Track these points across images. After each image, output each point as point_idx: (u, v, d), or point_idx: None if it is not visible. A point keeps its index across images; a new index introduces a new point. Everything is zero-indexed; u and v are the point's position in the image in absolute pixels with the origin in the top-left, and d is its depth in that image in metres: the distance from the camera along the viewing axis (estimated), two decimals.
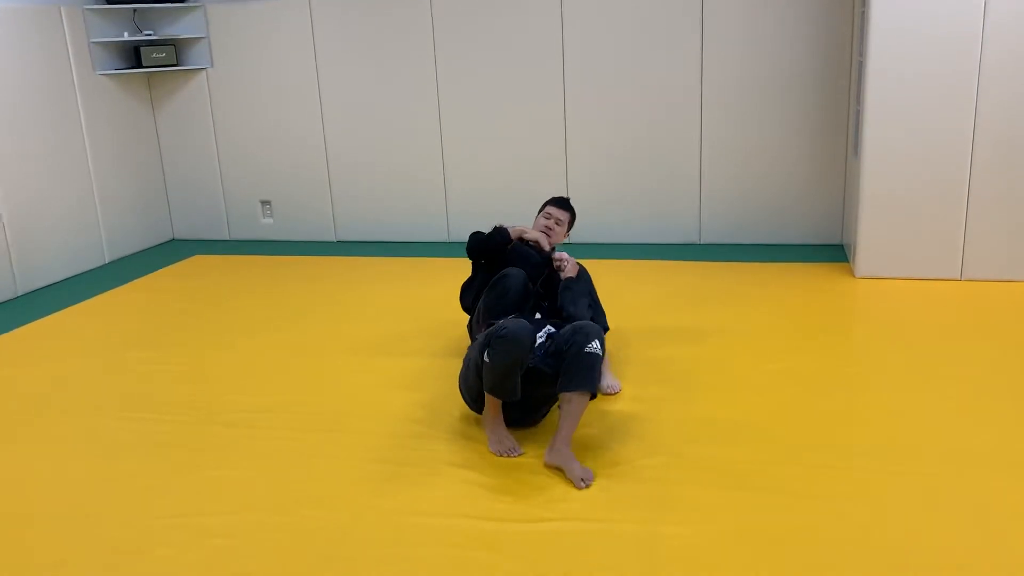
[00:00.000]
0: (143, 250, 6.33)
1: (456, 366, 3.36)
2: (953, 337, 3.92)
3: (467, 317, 3.69)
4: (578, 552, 2.39)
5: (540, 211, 3.82)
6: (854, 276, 4.86)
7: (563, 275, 3.48)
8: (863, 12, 4.77)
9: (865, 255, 4.80)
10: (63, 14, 5.53)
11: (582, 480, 2.72)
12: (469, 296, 3.67)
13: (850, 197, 5.20)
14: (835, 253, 5.37)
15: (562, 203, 3.81)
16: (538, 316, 3.31)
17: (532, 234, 3.66)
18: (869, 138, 4.64)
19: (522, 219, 4.02)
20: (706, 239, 5.79)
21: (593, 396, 2.88)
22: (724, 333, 4.05)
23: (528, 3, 5.63)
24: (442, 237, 6.17)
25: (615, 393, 3.40)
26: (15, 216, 5.20)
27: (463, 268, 3.84)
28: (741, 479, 2.73)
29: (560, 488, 2.72)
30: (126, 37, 5.91)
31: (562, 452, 2.80)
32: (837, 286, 4.73)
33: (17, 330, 4.58)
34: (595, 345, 2.83)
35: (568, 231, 3.84)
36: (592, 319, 3.43)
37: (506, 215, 4.49)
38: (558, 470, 2.80)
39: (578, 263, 3.60)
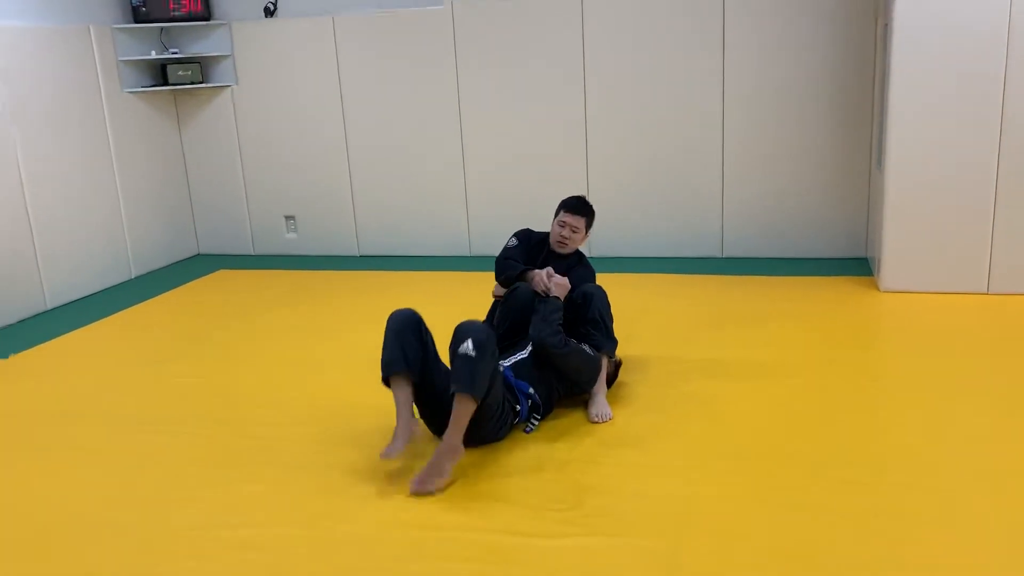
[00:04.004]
0: (169, 265, 6.40)
1: None
2: (980, 352, 3.87)
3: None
4: (600, 568, 2.38)
5: (556, 215, 3.71)
6: (879, 290, 4.82)
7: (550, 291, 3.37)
8: (887, 24, 4.76)
9: (890, 268, 4.76)
10: (92, 33, 5.63)
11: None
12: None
13: (874, 210, 5.16)
14: (859, 267, 5.33)
15: (578, 207, 3.67)
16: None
17: (539, 285, 3.40)
18: (893, 150, 4.61)
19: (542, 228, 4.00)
20: (728, 252, 5.76)
21: (475, 399, 2.83)
22: (746, 347, 4.03)
23: (550, 19, 5.66)
24: (464, 251, 6.19)
25: (604, 421, 3.28)
26: (45, 232, 5.28)
27: (486, 282, 3.85)
28: (765, 495, 2.72)
29: (582, 503, 2.71)
30: (153, 55, 6.01)
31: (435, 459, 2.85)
32: (861, 300, 4.69)
33: (46, 344, 4.64)
34: (467, 346, 2.82)
35: (587, 232, 3.72)
36: (595, 343, 3.40)
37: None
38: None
39: (598, 285, 3.56)
